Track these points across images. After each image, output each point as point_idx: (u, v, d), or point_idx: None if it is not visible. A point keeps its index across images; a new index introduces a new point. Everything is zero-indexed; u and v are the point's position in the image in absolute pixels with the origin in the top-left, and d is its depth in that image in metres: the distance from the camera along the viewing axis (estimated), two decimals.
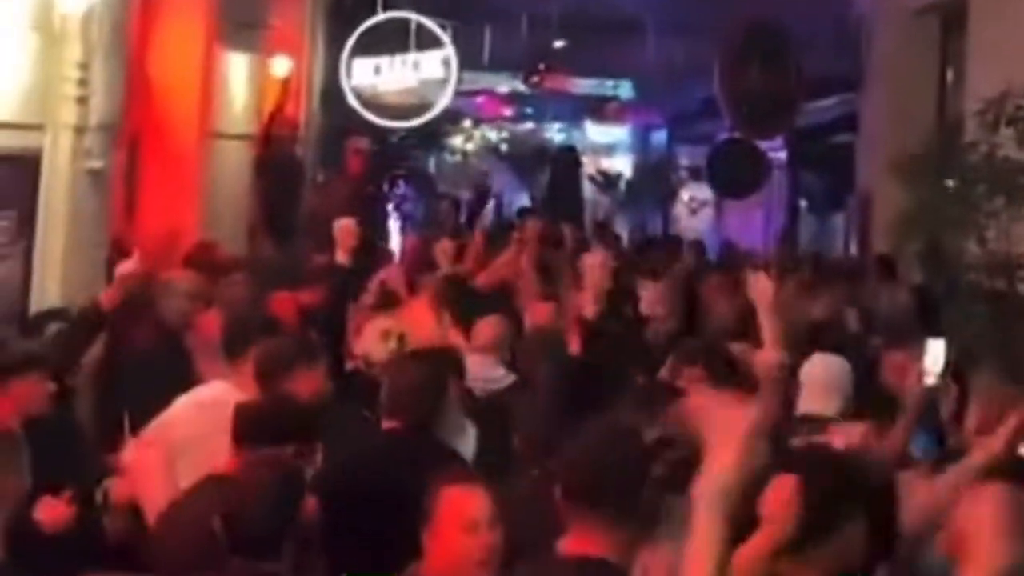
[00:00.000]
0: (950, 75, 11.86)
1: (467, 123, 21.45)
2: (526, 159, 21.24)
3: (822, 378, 5.42)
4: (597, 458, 3.36)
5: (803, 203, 16.89)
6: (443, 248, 8.41)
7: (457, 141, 21.33)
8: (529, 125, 22.89)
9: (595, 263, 5.79)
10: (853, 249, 12.95)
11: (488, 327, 6.68)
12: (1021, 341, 5.99)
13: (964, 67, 10.59)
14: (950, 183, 6.68)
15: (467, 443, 5.03)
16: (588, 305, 5.52)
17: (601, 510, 3.27)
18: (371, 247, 10.28)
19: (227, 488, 3.88)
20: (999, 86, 6.68)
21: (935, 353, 4.75)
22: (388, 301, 7.76)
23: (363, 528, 4.29)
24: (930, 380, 4.71)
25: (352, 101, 13.49)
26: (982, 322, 6.11)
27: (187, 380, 5.38)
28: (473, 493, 3.78)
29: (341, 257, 6.89)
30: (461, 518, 3.72)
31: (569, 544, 3.29)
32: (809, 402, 5.30)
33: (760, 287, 4.71)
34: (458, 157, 21.15)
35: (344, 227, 6.97)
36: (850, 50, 13.30)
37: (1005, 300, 6.18)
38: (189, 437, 4.61)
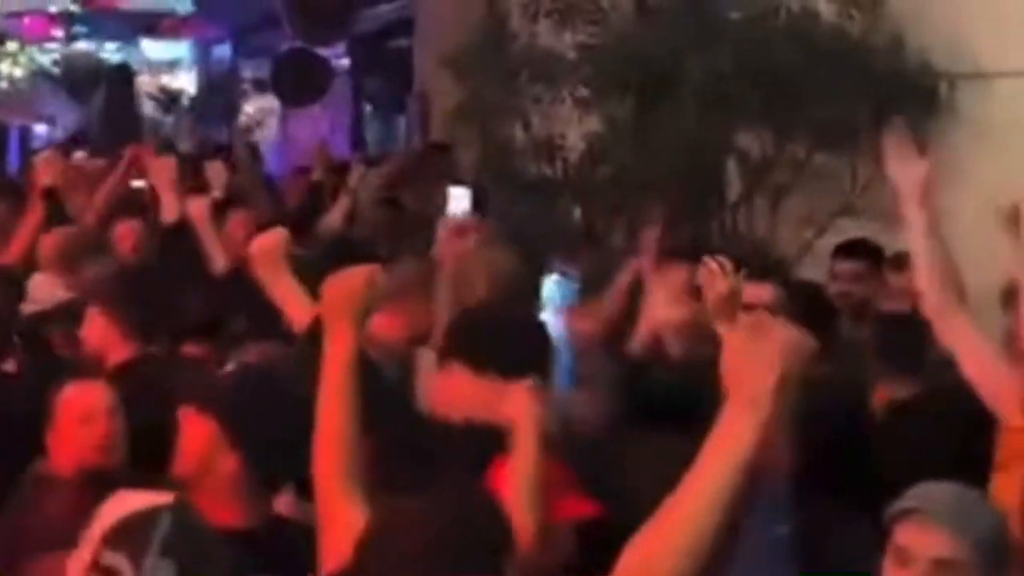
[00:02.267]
0: None
1: (13, 46, 20.35)
2: (79, 82, 20.36)
3: None
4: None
5: (367, 107, 17.10)
6: None
7: (3, 66, 20.22)
8: (83, 45, 21.94)
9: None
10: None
11: (49, 240, 6.02)
12: (561, 220, 6.42)
13: None
14: (495, 74, 6.98)
15: None
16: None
17: None
18: None
19: None
20: None
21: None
22: None
23: None
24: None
25: None
26: (527, 205, 6.48)
27: None
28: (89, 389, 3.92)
29: None
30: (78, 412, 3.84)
31: None
32: None
33: None
34: (4, 84, 20.04)
35: None
36: None
37: (548, 182, 6.57)
38: None
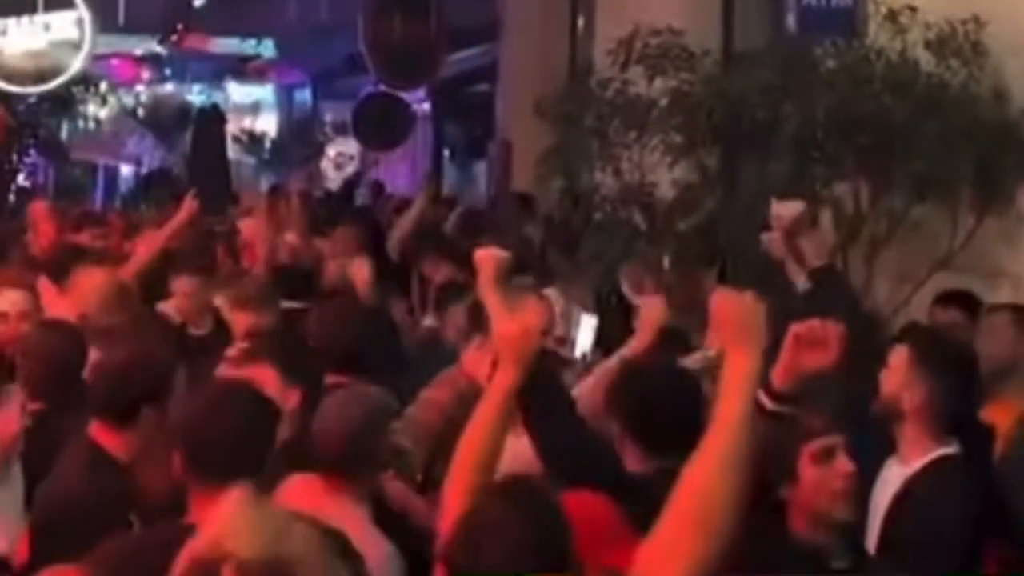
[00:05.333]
0: (581, 22, 12.25)
1: (102, 87, 20.64)
2: (166, 123, 20.62)
3: None
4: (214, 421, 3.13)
5: (446, 152, 17.12)
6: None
7: (91, 107, 20.49)
8: (168, 87, 22.25)
9: None
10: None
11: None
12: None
13: (594, 14, 10.97)
14: (587, 121, 6.88)
15: None
16: None
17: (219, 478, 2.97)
18: None
19: None
20: (626, 29, 6.91)
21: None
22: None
23: None
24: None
25: None
26: (619, 250, 6.37)
27: None
28: None
29: None
30: None
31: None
32: None
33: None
34: (91, 124, 20.31)
35: None
36: (488, 2, 13.53)
37: (637, 229, 6.46)
38: None
